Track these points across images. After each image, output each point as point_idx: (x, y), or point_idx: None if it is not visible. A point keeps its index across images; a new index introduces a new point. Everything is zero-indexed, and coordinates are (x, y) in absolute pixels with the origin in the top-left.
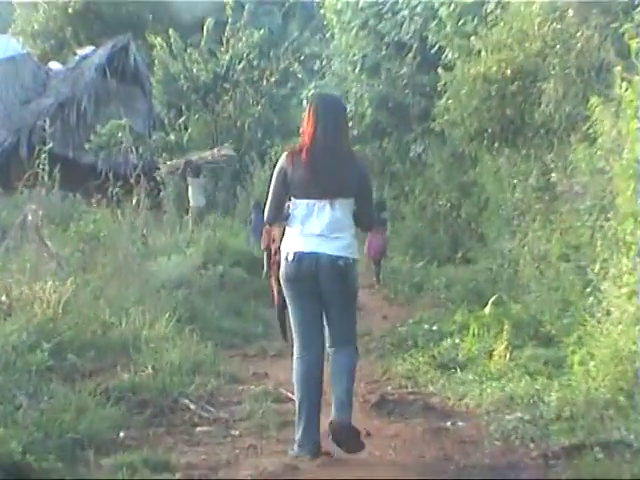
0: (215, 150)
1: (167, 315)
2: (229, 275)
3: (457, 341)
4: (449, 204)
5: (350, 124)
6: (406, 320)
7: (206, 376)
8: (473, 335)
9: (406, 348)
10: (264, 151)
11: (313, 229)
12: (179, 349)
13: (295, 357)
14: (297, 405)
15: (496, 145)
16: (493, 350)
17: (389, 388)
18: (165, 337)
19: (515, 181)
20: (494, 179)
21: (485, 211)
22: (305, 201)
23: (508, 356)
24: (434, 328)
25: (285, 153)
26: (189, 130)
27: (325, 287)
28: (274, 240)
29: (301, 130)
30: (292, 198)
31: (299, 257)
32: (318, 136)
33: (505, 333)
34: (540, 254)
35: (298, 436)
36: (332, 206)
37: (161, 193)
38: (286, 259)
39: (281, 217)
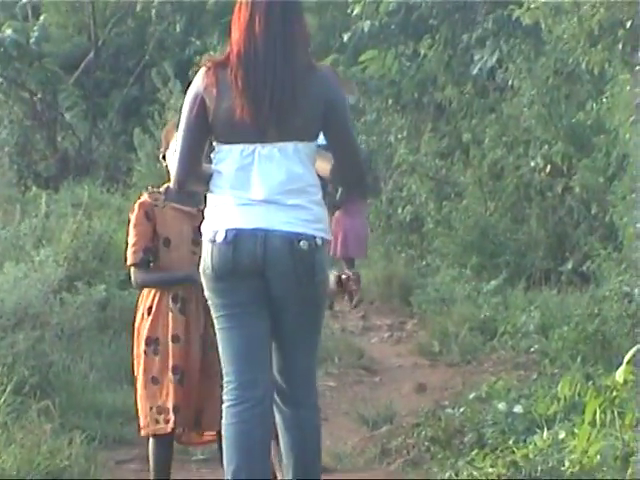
0: None
1: None
2: (117, 303)
3: (562, 435)
4: (549, 167)
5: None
6: (462, 394)
7: None
8: (593, 424)
9: (462, 448)
10: (186, 60)
11: (253, 194)
12: (19, 446)
13: (227, 405)
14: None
15: None
16: (632, 453)
17: None
18: None
19: None
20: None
21: (619, 181)
22: (238, 147)
23: None
24: (516, 410)
25: (203, 68)
26: (42, 17)
27: (276, 290)
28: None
29: (231, 30)
30: (215, 143)
31: (235, 236)
32: (256, 37)
33: None
34: None
35: None
36: (284, 154)
37: None
38: (212, 241)
39: (198, 176)
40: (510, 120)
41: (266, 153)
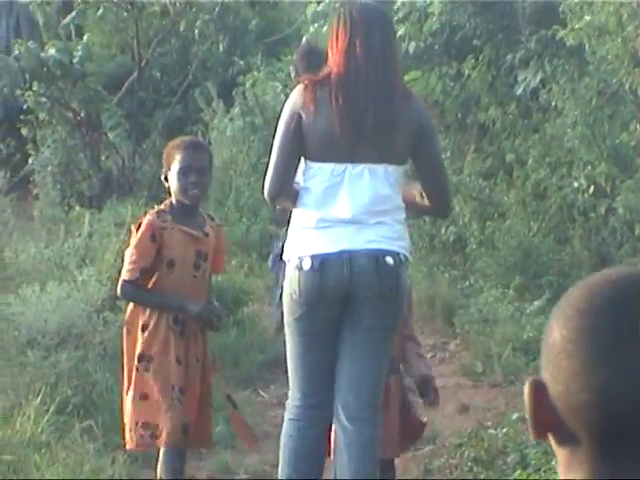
0: None
1: (38, 400)
2: None
3: None
4: (592, 188)
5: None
6: (505, 414)
7: None
8: None
9: (505, 469)
10: (229, 80)
11: (340, 211)
12: (62, 466)
13: (289, 417)
14: None
15: None
16: None
17: None
18: (35, 442)
19: None
20: None
21: None
22: (329, 165)
23: None
24: None
25: (301, 85)
26: (85, 37)
27: (360, 308)
28: None
29: (329, 51)
30: (305, 160)
31: (322, 263)
32: (357, 58)
33: None
34: None
35: None
36: (373, 175)
37: (30, 160)
38: (299, 268)
39: (290, 192)
40: (553, 141)
41: (357, 173)
